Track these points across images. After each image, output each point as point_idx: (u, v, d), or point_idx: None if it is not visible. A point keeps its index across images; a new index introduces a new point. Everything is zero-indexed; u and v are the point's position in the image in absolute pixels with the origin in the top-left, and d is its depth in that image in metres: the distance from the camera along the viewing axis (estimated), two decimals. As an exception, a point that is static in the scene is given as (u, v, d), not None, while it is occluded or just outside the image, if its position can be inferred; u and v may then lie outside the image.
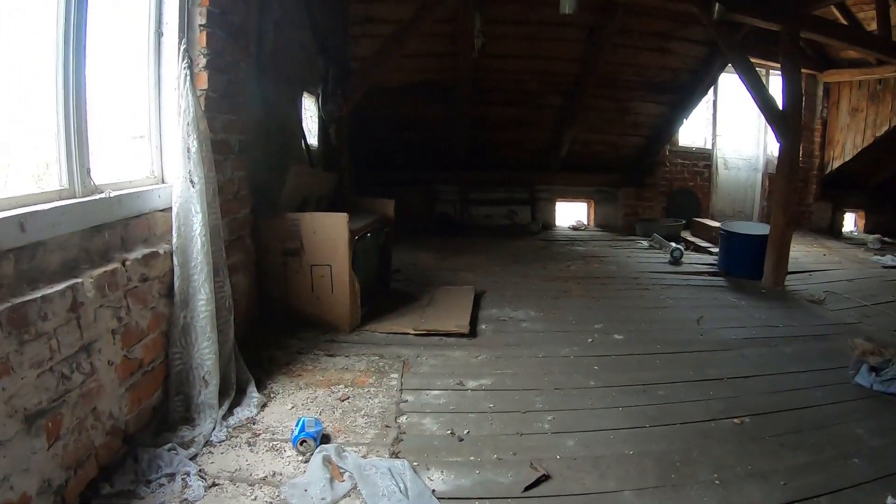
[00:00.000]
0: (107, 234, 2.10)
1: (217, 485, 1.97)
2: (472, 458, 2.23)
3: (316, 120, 5.06)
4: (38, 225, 1.74)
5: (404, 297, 4.22)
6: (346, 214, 3.32)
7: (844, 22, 6.19)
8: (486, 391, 2.80)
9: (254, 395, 2.62)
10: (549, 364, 3.15)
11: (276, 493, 1.93)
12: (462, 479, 2.08)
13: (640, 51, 6.42)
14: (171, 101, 2.53)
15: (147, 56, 2.52)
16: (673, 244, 6.69)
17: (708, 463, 2.23)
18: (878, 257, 6.72)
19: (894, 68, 6.62)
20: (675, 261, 6.00)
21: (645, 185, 8.19)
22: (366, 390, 2.74)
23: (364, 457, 2.17)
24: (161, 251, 2.34)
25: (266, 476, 2.04)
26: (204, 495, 1.91)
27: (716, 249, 6.24)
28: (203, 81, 2.70)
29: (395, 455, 2.20)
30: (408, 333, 3.48)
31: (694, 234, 7.49)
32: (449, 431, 2.41)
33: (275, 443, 2.26)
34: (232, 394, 2.57)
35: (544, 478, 2.09)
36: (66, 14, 1.94)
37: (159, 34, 2.55)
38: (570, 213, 8.64)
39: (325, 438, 2.29)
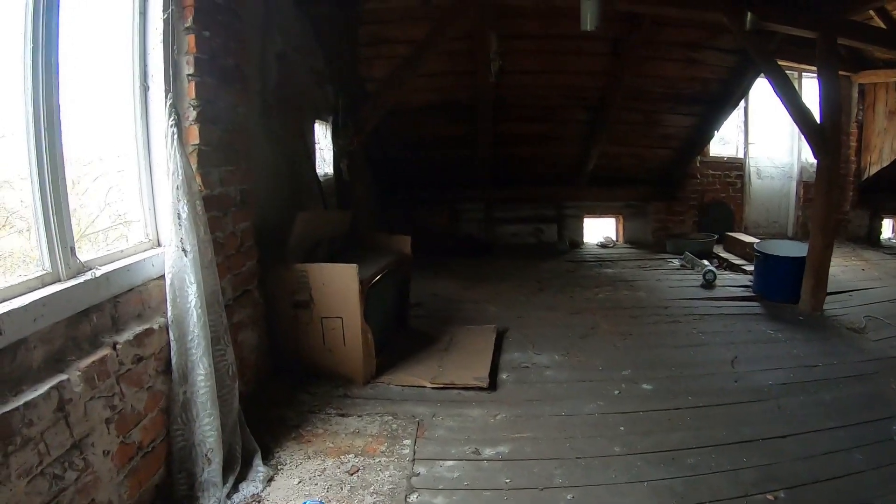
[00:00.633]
0: (95, 318, 1.96)
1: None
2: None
3: (330, 148, 4.94)
4: (18, 323, 1.61)
5: (423, 339, 4.05)
6: (355, 266, 3.16)
7: (882, 24, 5.77)
8: (503, 461, 2.60)
9: (259, 468, 2.48)
10: (571, 426, 2.94)
11: None
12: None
13: (667, 62, 6.10)
14: (162, 157, 2.37)
15: (133, 111, 2.37)
16: (706, 263, 6.38)
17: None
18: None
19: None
20: (708, 284, 5.69)
21: (675, 199, 7.88)
22: (376, 461, 2.58)
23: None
24: (156, 326, 2.21)
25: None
26: None
27: (750, 267, 5.89)
28: (194, 136, 2.54)
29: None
30: (424, 387, 3.31)
31: (727, 250, 7.12)
32: (463, 514, 2.23)
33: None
34: (237, 468, 2.44)
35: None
36: (32, 73, 1.76)
37: (145, 88, 2.39)
38: (599, 229, 8.35)
39: (330, 526, 2.14)
